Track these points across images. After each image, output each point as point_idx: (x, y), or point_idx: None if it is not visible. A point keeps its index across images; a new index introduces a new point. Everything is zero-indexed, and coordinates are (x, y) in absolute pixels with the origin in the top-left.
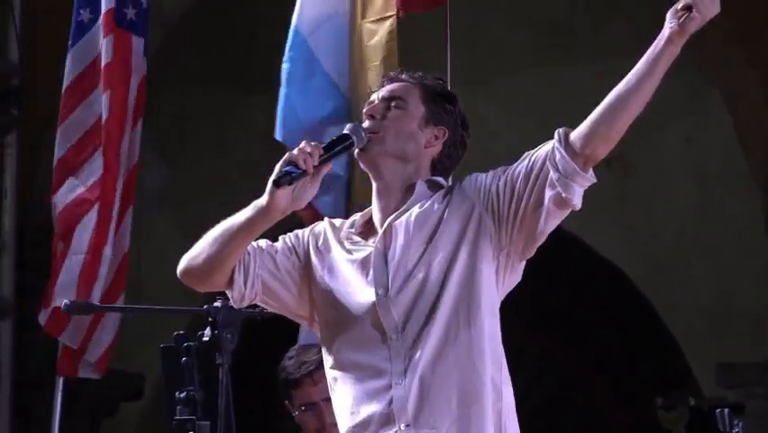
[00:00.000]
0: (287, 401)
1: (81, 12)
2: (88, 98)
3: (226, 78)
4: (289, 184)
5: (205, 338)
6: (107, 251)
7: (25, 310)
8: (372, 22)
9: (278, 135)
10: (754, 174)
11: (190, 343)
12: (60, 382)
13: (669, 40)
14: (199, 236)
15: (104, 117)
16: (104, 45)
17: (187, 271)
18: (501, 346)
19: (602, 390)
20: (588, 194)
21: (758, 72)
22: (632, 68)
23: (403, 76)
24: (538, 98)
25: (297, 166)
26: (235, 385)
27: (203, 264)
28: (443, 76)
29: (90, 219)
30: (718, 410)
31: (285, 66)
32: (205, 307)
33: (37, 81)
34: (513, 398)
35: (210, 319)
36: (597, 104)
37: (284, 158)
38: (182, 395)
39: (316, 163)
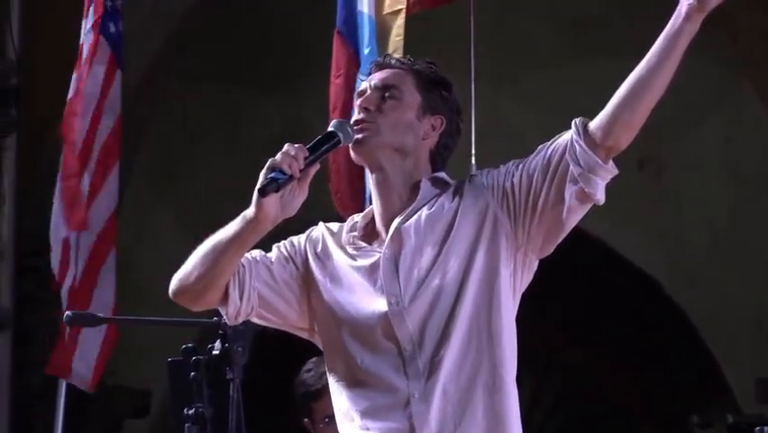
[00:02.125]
0: (306, 419)
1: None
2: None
3: (238, 77)
4: (276, 191)
5: (215, 352)
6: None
7: (26, 321)
8: (387, 15)
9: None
10: None
11: (199, 356)
12: (62, 397)
13: (687, 17)
14: (196, 236)
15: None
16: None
17: (179, 291)
18: (516, 352)
19: (633, 405)
20: (618, 197)
21: None
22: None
23: (393, 62)
24: (564, 96)
25: (282, 171)
26: (246, 401)
27: (195, 283)
28: (435, 61)
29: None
30: (758, 428)
31: (367, 50)
32: (215, 319)
33: (36, 82)
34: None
35: (220, 332)
36: None
37: (267, 164)
38: (191, 412)
39: (302, 166)
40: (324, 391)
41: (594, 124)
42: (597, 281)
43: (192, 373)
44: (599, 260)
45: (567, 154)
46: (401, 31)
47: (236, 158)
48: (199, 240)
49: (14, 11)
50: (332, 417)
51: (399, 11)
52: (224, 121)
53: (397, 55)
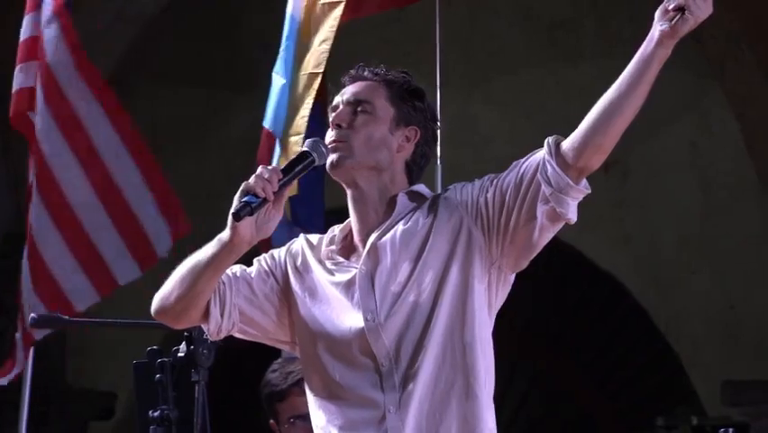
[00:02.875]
0: (272, 420)
1: None
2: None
3: (207, 79)
4: (250, 215)
5: (181, 354)
6: None
7: None
8: (324, 4)
9: (266, 123)
10: (762, 179)
11: (165, 359)
12: (27, 399)
13: (659, 42)
14: (178, 245)
15: None
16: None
17: (160, 310)
18: (493, 367)
19: (599, 407)
20: (585, 201)
21: (764, 73)
22: (615, 66)
23: (366, 73)
24: (535, 99)
25: (255, 195)
26: (212, 404)
27: (176, 303)
28: (408, 70)
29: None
30: (722, 430)
31: (281, 54)
32: None
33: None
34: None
35: (186, 334)
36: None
37: (241, 187)
38: (156, 414)
39: (276, 189)
40: (290, 392)
41: (566, 145)
42: (563, 284)
43: (157, 376)
44: (565, 263)
45: (539, 174)
46: (336, 23)
47: (205, 160)
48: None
49: None
50: (297, 417)
51: (338, 3)
52: (192, 123)
53: (327, 45)
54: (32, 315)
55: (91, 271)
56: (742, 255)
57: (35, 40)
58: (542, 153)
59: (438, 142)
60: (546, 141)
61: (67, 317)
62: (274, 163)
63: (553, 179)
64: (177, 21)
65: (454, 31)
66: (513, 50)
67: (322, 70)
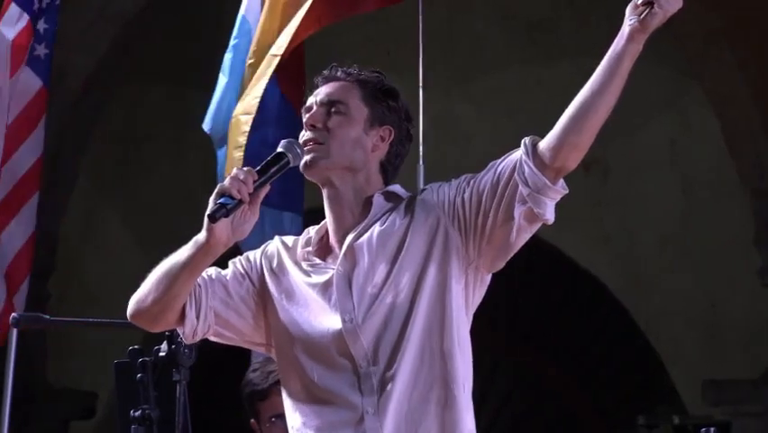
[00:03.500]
0: (252, 419)
1: None
2: None
3: (186, 78)
4: (226, 216)
5: (162, 353)
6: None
7: None
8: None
9: (205, 126)
10: (743, 178)
11: (146, 358)
12: (8, 398)
13: (630, 38)
14: (156, 245)
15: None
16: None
17: (136, 313)
18: (471, 368)
19: (580, 406)
20: (565, 200)
21: (745, 72)
22: (595, 64)
23: (339, 74)
24: (516, 98)
25: (231, 196)
26: (193, 403)
27: (152, 306)
28: (382, 71)
29: None
30: (704, 429)
31: (228, 55)
32: None
33: None
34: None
35: (167, 333)
36: None
37: (216, 189)
38: (137, 414)
39: (251, 190)
40: (271, 391)
41: (543, 145)
42: (543, 283)
43: (138, 375)
44: (546, 262)
45: (516, 174)
46: (303, 13)
47: (184, 159)
48: (145, 242)
49: None
50: (278, 417)
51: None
52: (172, 122)
53: (286, 37)
54: (14, 314)
55: None
56: (723, 254)
57: None
58: (519, 154)
59: (420, 142)
60: (523, 141)
61: (48, 316)
62: (219, 159)
63: (530, 180)
64: (157, 20)
65: (435, 30)
66: (493, 49)
67: (281, 53)
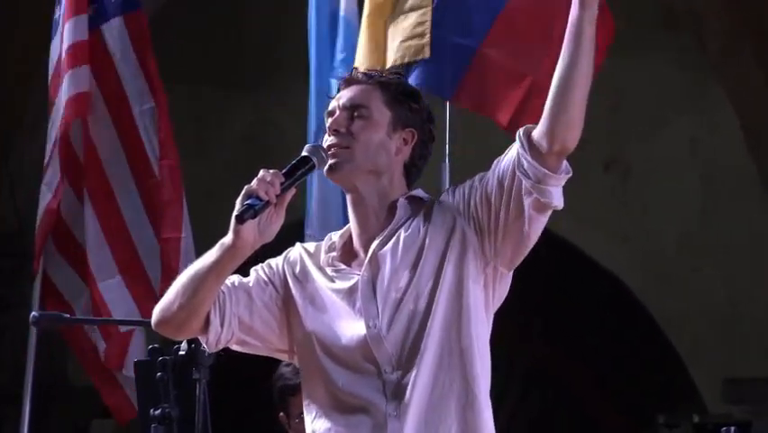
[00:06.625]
0: (282, 413)
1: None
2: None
3: (208, 78)
4: (253, 217)
5: (182, 352)
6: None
7: None
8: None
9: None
10: (764, 177)
11: (166, 357)
12: (29, 397)
13: (581, 3)
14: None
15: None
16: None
17: (162, 321)
18: (489, 367)
19: (600, 405)
20: (585, 199)
21: (766, 71)
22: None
23: (360, 77)
24: None
25: (258, 197)
26: (213, 402)
27: (178, 312)
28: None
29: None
30: (724, 428)
31: (340, 56)
32: None
33: (7, 83)
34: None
35: None
36: None
37: (243, 191)
38: (157, 412)
39: (278, 192)
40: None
41: (537, 133)
42: (563, 282)
43: (159, 374)
44: (566, 261)
45: (516, 169)
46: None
47: (206, 159)
48: None
49: None
50: None
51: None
52: (193, 122)
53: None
54: (33, 313)
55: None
56: (743, 253)
57: (84, 44)
58: (516, 147)
59: (447, 141)
60: (518, 133)
61: (67, 315)
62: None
63: (530, 172)
64: (178, 19)
65: None
66: None
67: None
